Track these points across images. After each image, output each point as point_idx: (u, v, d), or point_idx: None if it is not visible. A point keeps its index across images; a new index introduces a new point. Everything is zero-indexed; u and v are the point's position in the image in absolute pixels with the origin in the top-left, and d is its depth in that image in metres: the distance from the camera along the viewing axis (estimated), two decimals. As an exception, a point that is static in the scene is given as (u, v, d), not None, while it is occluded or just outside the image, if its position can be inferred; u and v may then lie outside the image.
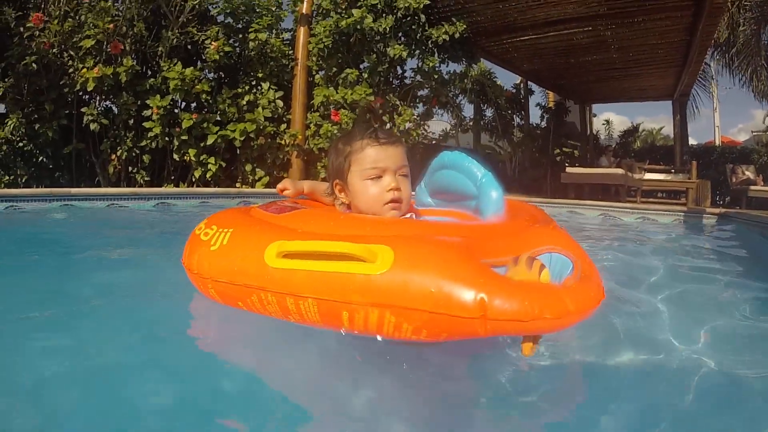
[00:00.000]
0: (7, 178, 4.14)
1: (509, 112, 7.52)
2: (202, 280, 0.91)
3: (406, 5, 5.07)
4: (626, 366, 0.93)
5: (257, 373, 0.89)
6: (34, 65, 4.18)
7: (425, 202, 1.35)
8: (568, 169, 7.12)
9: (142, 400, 0.75)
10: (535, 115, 9.09)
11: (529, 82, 8.32)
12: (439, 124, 6.64)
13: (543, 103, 9.28)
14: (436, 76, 5.71)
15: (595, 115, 11.38)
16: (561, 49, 7.18)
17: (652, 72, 8.08)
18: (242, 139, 4.38)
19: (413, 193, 1.20)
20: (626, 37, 6.57)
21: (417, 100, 5.68)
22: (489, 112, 7.12)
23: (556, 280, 0.82)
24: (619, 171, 6.55)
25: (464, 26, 5.52)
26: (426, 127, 5.76)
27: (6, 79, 4.21)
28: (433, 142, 6.35)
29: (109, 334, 1.01)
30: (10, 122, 4.13)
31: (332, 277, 0.74)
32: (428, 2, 5.16)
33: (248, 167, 4.50)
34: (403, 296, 0.69)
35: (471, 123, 6.73)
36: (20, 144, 4.19)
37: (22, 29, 4.29)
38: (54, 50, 4.28)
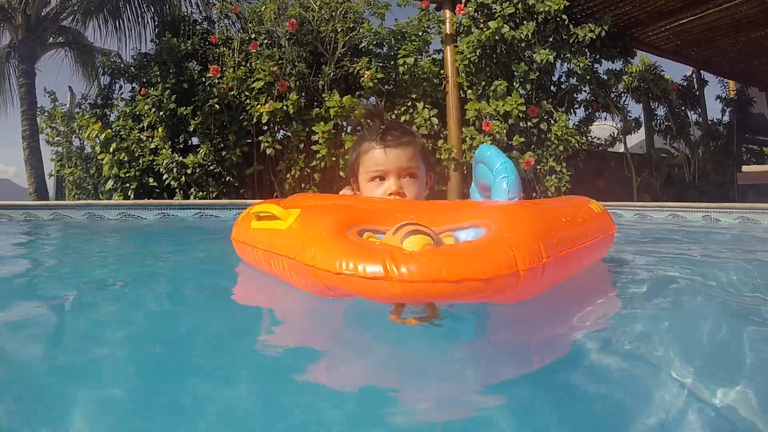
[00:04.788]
0: (201, 193, 5.35)
1: (683, 108, 7.02)
2: (233, 241, 1.34)
3: (546, 9, 5.28)
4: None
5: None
6: (217, 106, 5.37)
7: (475, 197, 1.45)
8: (745, 168, 6.26)
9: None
10: (714, 110, 8.28)
11: (702, 72, 7.72)
12: (606, 129, 6.49)
13: (723, 95, 8.45)
14: (588, 77, 5.70)
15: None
16: (726, 26, 6.58)
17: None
18: (400, 157, 4.89)
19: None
20: (800, -2, 5.83)
21: (576, 105, 5.69)
22: (661, 111, 6.74)
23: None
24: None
25: (609, 20, 5.52)
26: (587, 133, 5.70)
27: (196, 118, 5.45)
28: (599, 148, 6.21)
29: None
30: (201, 150, 5.37)
31: (266, 233, 1.04)
32: (567, 3, 5.32)
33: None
34: (288, 247, 0.90)
35: (635, 124, 6.43)
36: (211, 167, 5.37)
37: (204, 79, 5.57)
38: (232, 92, 5.41)
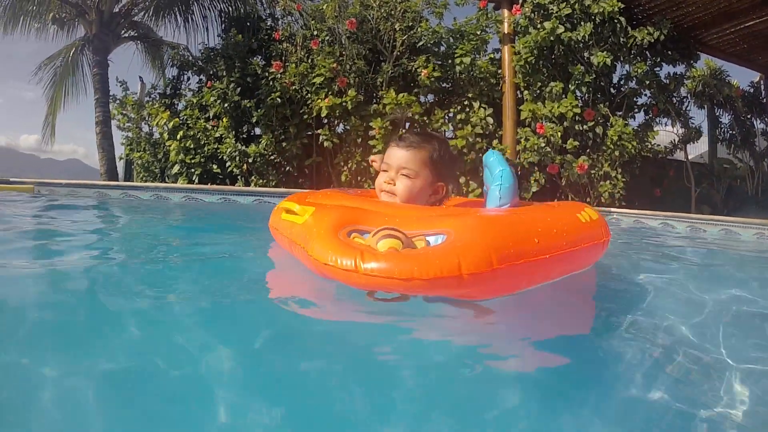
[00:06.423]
0: (261, 181, 5.75)
1: (748, 116, 6.81)
2: (270, 227, 1.60)
3: (601, 10, 5.29)
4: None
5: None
6: (278, 99, 5.72)
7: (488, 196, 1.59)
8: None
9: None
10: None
11: (769, 79, 7.44)
12: (667, 135, 6.40)
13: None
14: (647, 81, 5.67)
15: None
16: (796, 30, 6.29)
17: None
18: (455, 153, 5.08)
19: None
20: None
21: (635, 109, 5.68)
22: (726, 119, 6.56)
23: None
24: None
25: (669, 23, 5.45)
26: (646, 139, 5.67)
27: (259, 110, 5.83)
28: (659, 155, 6.14)
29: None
30: (263, 141, 5.76)
31: (288, 224, 1.33)
32: (623, 5, 5.28)
33: (462, 180, 5.15)
34: (301, 238, 1.16)
35: (696, 133, 6.30)
36: (271, 157, 5.76)
37: (267, 74, 5.93)
38: (294, 87, 5.75)
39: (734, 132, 6.45)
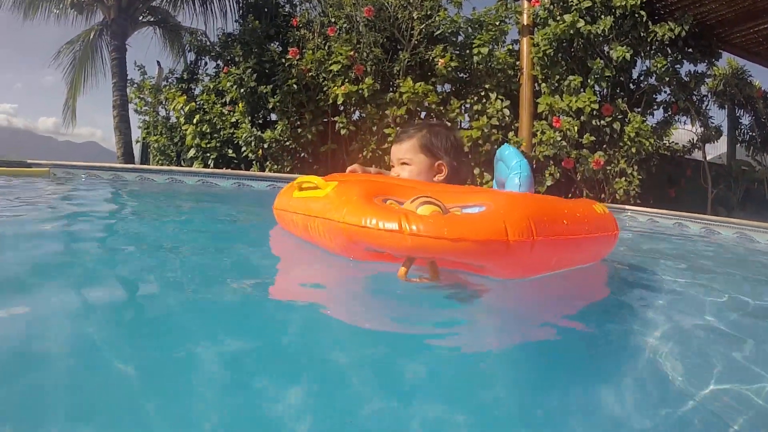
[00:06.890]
0: (276, 167, 5.80)
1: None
2: (274, 210, 1.55)
3: (623, 3, 5.21)
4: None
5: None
6: (295, 86, 5.74)
7: None
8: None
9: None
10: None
11: (793, 80, 7.30)
12: (686, 134, 6.31)
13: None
14: (667, 78, 5.59)
15: None
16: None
17: None
18: (470, 144, 5.06)
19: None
20: None
21: (654, 106, 5.60)
22: (746, 120, 6.45)
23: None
24: None
25: (690, 19, 5.36)
26: (665, 137, 5.60)
27: (275, 96, 5.86)
28: (677, 154, 6.07)
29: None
30: (279, 126, 5.78)
31: (305, 200, 1.26)
32: None
33: (476, 171, 5.13)
34: (324, 210, 1.10)
35: (716, 133, 6.20)
36: (287, 143, 5.79)
37: (284, 60, 5.95)
38: (310, 74, 5.76)
39: (754, 134, 6.33)
